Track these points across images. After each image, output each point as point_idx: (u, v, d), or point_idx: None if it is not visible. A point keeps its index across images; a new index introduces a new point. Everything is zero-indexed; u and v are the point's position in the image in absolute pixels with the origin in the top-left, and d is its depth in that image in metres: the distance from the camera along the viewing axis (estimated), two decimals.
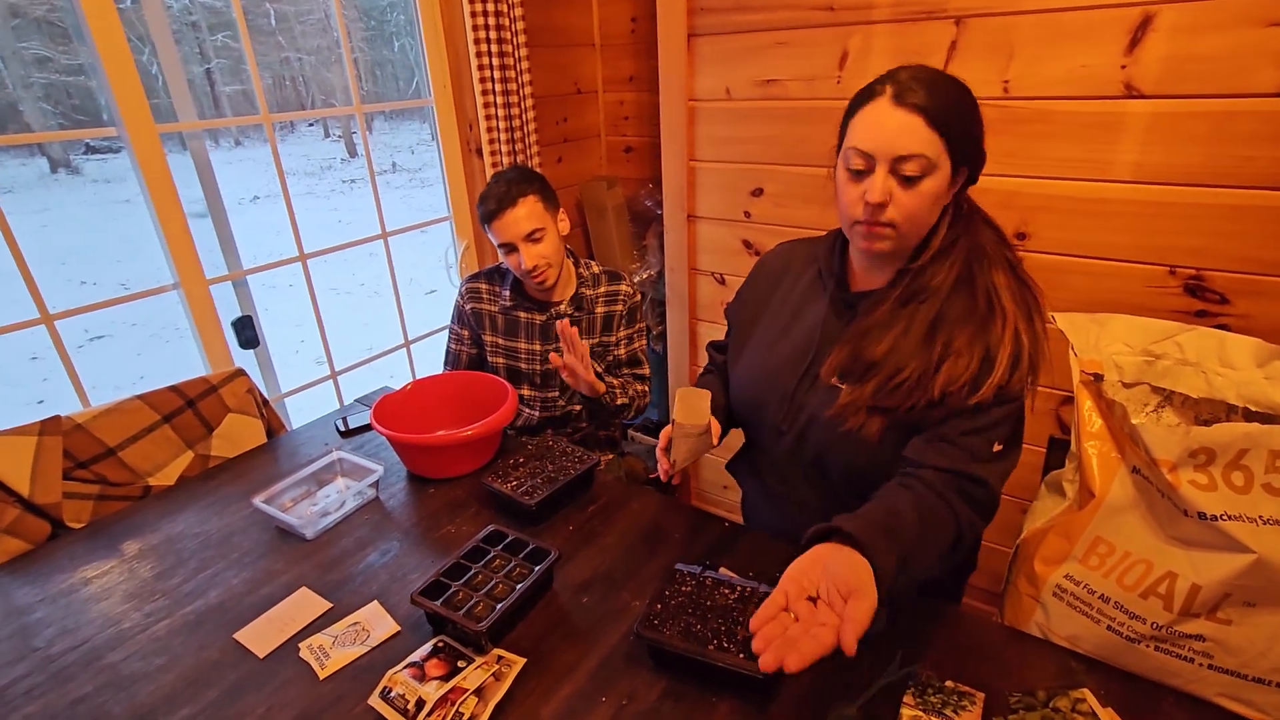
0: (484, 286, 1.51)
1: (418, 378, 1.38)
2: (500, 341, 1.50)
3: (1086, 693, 0.74)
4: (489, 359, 1.52)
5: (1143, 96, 1.24)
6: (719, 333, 2.02)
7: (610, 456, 1.60)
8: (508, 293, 1.48)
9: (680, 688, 0.79)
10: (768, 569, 0.97)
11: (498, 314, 1.50)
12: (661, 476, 0.97)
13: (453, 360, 1.56)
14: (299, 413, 1.89)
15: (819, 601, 0.62)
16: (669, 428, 0.97)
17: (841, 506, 0.95)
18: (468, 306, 1.51)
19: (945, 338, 0.81)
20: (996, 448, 0.80)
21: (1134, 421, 0.79)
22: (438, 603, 0.87)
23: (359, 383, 1.90)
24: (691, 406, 0.93)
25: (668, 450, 0.96)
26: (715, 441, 1.01)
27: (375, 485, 1.18)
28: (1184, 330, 0.90)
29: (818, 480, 0.95)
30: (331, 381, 1.95)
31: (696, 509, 1.12)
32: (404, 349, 2.13)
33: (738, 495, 2.06)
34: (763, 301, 1.04)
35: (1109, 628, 0.82)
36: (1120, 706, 0.74)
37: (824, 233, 1.02)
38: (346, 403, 1.57)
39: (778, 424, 0.96)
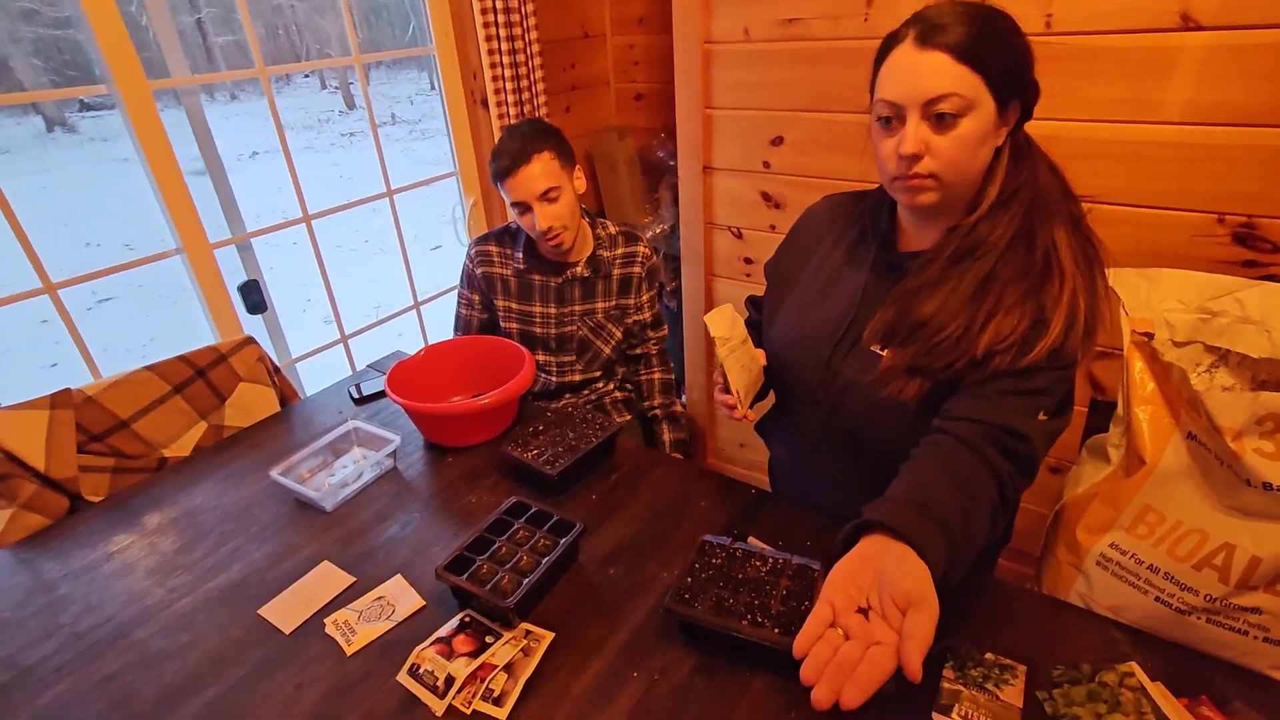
0: (494, 249, 1.45)
1: (430, 342, 1.35)
2: (514, 306, 1.46)
3: (1135, 666, 0.72)
4: (501, 324, 1.48)
5: (1200, 28, 1.15)
6: (737, 290, 1.97)
7: (628, 418, 1.57)
8: (520, 255, 1.42)
9: (712, 663, 0.78)
10: (797, 540, 0.94)
11: (510, 277, 1.45)
12: (735, 417, 0.93)
13: (463, 325, 1.52)
14: (311, 376, 1.87)
15: (871, 614, 0.57)
16: (719, 372, 0.93)
17: (876, 479, 0.92)
18: (478, 270, 1.46)
19: (996, 295, 0.76)
20: (1041, 417, 0.75)
21: (1196, 387, 0.75)
22: (463, 577, 0.85)
23: (370, 344, 1.88)
24: (722, 321, 0.89)
25: (725, 388, 0.93)
26: (765, 362, 0.97)
27: (393, 455, 1.16)
28: (1245, 286, 0.84)
29: (852, 451, 0.92)
30: (342, 345, 1.92)
31: (721, 476, 1.09)
32: (414, 310, 2.09)
33: (755, 453, 2.03)
34: (802, 260, 0.99)
35: (1157, 599, 0.79)
36: (1169, 680, 0.72)
37: (857, 185, 0.96)
38: (359, 367, 1.54)
39: (812, 391, 0.92)
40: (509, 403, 1.19)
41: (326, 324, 4.40)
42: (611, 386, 1.56)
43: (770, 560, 0.84)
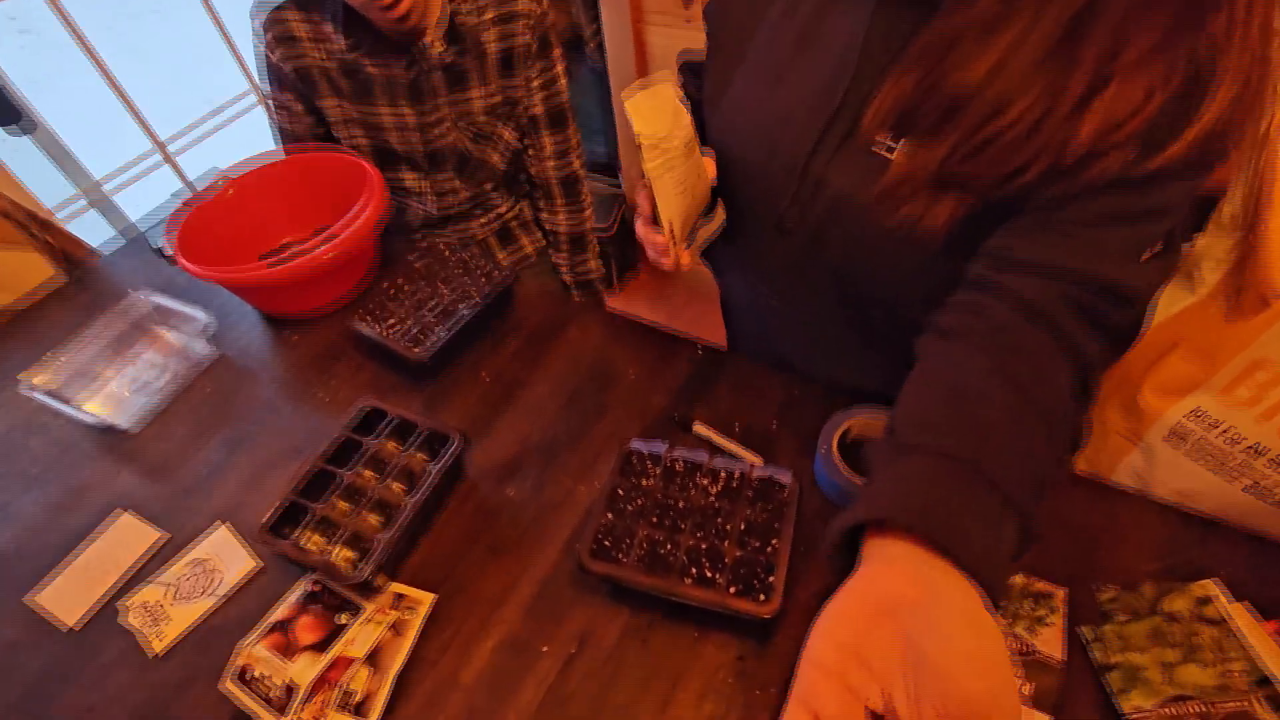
0: (298, 21, 0.93)
1: (237, 173, 0.95)
2: (350, 108, 1.00)
3: (1213, 586, 0.53)
4: (342, 138, 1.04)
5: None
6: (676, 41, 1.50)
7: (542, 241, 1.23)
8: (340, 32, 0.91)
9: (647, 621, 0.58)
10: (760, 420, 0.70)
11: (334, 70, 0.96)
12: (666, 264, 0.64)
13: (291, 142, 1.06)
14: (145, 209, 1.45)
15: None
16: (644, 193, 0.61)
17: (875, 335, 0.65)
18: (288, 66, 0.96)
19: (1102, 45, 0.42)
20: (1154, 248, 0.47)
21: None
22: (297, 534, 0.61)
23: (221, 147, 1.44)
24: (656, 112, 0.55)
25: (655, 218, 0.61)
26: (714, 175, 0.65)
27: (208, 337, 0.85)
28: None
29: (840, 298, 0.63)
30: (165, 161, 1.47)
31: (656, 333, 0.82)
32: (252, 95, 1.60)
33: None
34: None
35: (1251, 488, 0.59)
36: (1256, 592, 0.53)
37: None
38: (194, 179, 1.14)
39: (780, 212, 0.61)
40: (355, 250, 0.85)
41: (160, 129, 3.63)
42: (519, 206, 1.19)
43: (723, 475, 0.60)
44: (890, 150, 0.52)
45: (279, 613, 0.60)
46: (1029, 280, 0.46)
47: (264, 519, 0.61)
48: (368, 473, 0.67)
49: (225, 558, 0.66)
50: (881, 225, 0.53)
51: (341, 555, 0.62)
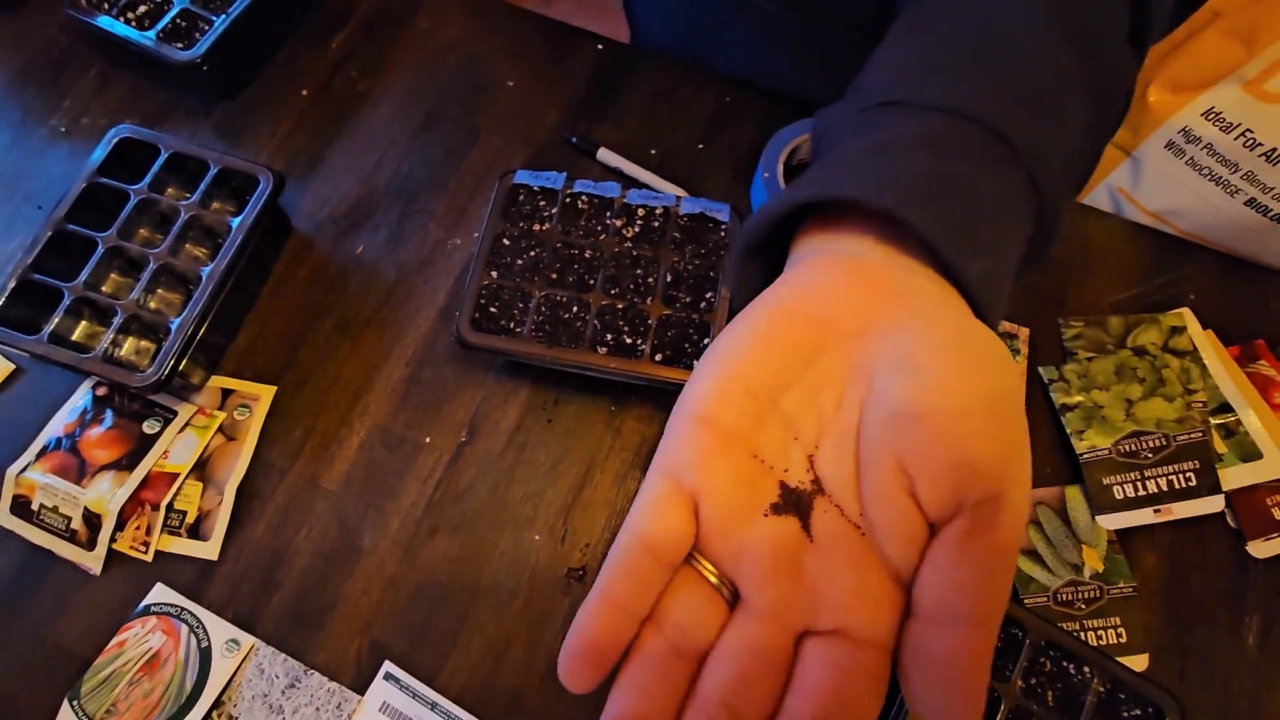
0: None
1: None
2: None
3: (1188, 315, 0.48)
4: None
5: None
6: None
7: None
8: None
9: (553, 399, 0.47)
10: (681, 140, 0.54)
11: None
12: None
13: None
14: None
15: (822, 509, 0.21)
16: None
17: (854, 28, 0.48)
18: None
19: None
20: None
21: None
22: (52, 324, 0.43)
23: None
24: None
25: None
26: None
27: None
28: None
29: None
30: None
31: (536, 21, 0.59)
32: None
33: None
34: None
35: (1251, 202, 0.50)
36: (1225, 318, 0.49)
37: None
38: None
39: None
40: None
41: None
42: None
43: (641, 213, 0.46)
44: None
45: (55, 427, 0.45)
46: None
47: None
48: (150, 234, 0.48)
49: None
50: None
51: (134, 347, 0.46)
